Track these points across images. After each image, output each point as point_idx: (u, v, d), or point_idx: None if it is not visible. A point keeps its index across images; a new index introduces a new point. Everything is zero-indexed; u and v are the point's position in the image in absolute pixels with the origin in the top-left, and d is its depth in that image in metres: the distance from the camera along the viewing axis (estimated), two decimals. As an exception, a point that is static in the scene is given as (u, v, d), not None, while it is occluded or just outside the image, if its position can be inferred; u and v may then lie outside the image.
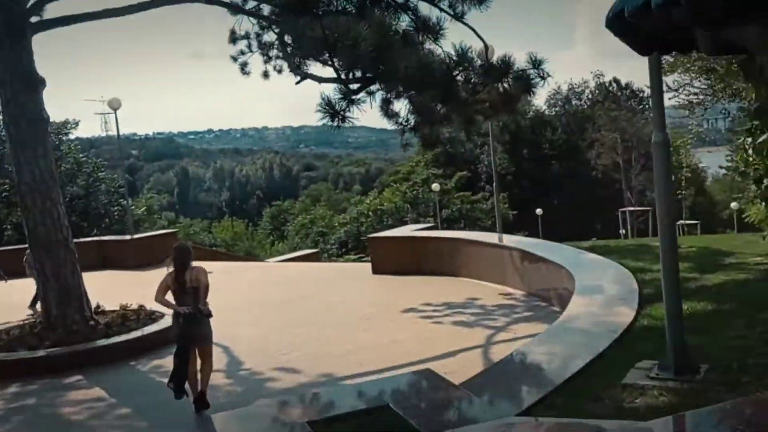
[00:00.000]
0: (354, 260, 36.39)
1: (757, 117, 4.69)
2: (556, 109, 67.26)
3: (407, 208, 43.60)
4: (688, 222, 42.50)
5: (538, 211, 48.98)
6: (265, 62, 14.68)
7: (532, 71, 7.72)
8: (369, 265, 16.85)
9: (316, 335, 10.24)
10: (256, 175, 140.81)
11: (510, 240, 13.70)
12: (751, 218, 42.53)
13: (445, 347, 8.96)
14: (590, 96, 68.16)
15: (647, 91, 67.66)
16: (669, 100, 31.66)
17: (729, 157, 64.73)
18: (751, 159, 6.06)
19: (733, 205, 44.29)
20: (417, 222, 40.27)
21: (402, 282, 14.00)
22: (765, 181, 4.74)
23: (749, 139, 5.74)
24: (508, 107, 8.30)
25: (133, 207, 33.11)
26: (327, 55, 6.98)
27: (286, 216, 70.26)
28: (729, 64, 16.87)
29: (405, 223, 41.29)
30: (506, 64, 7.64)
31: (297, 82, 8.34)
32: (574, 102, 68.47)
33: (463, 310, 11.15)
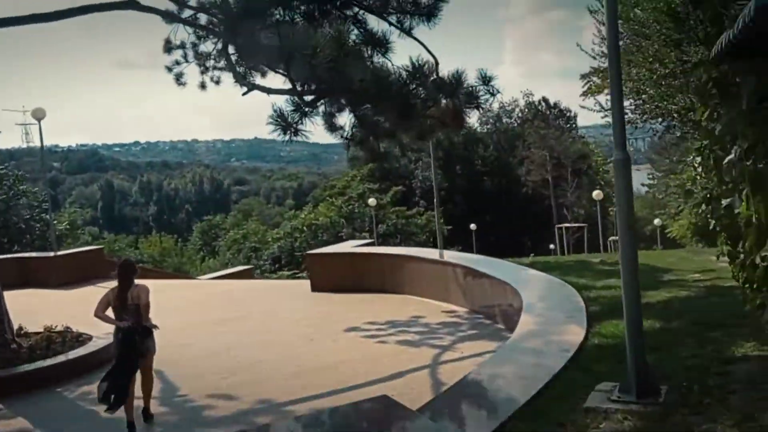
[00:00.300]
0: (288, 276, 35.82)
1: (720, 137, 4.71)
2: (488, 126, 68.50)
3: (343, 222, 43.29)
4: (617, 239, 43.74)
5: (472, 226, 49.56)
6: (202, 73, 14.25)
7: (481, 87, 7.66)
8: (307, 282, 16.51)
9: (255, 357, 9.83)
10: (186, 189, 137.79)
11: (451, 256, 13.64)
12: (674, 234, 44.31)
13: (392, 368, 8.74)
14: (520, 114, 69.79)
15: (574, 111, 70.11)
16: (602, 118, 32.65)
17: (651, 176, 67.42)
18: (699, 178, 6.10)
19: (656, 221, 46.12)
20: (353, 237, 39.99)
21: (343, 300, 13.72)
22: (723, 201, 4.73)
23: (699, 158, 5.77)
24: (457, 122, 8.22)
25: (55, 222, 31.62)
26: (282, 64, 6.69)
27: (218, 231, 68.78)
28: (659, 86, 17.45)
29: (340, 238, 40.98)
30: (457, 80, 7.55)
31: (244, 93, 8.02)
32: (504, 120, 69.92)
33: (407, 328, 10.97)
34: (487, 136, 67.25)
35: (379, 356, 9.38)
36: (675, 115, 17.13)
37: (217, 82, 14.40)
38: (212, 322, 12.51)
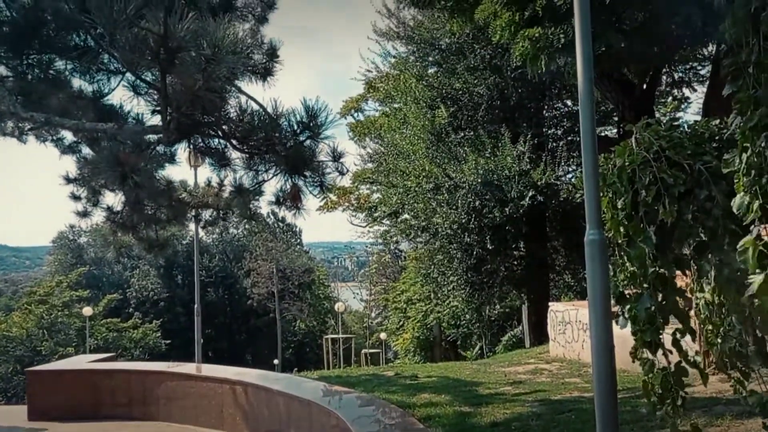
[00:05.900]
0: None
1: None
2: (214, 236, 66.27)
3: (43, 334, 37.14)
4: (371, 351, 44.01)
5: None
6: None
7: (331, 164, 6.23)
8: (17, 408, 12.94)
9: None
10: None
11: (219, 371, 11.48)
12: (398, 347, 46.31)
13: None
14: (247, 226, 68.89)
15: (300, 227, 71.83)
16: (358, 237, 33.66)
17: (368, 292, 69.88)
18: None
19: (383, 335, 47.54)
20: (55, 353, 34.41)
21: (80, 430, 10.65)
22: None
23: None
24: (295, 202, 6.64)
25: None
26: (157, 63, 4.47)
27: None
28: (427, 200, 17.67)
29: (39, 353, 34.92)
30: (312, 150, 6.03)
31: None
32: (231, 230, 68.42)
33: (180, 467, 8.57)
34: (213, 245, 65.04)
35: None
36: (438, 229, 17.33)
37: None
38: None
